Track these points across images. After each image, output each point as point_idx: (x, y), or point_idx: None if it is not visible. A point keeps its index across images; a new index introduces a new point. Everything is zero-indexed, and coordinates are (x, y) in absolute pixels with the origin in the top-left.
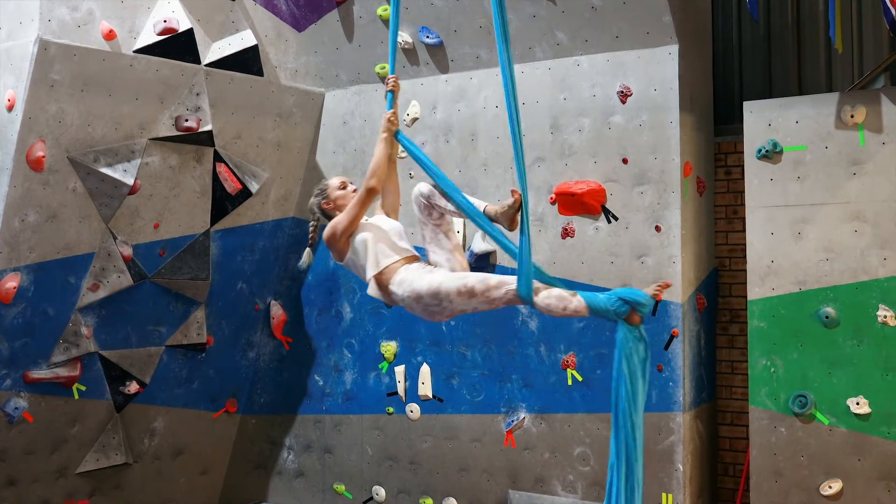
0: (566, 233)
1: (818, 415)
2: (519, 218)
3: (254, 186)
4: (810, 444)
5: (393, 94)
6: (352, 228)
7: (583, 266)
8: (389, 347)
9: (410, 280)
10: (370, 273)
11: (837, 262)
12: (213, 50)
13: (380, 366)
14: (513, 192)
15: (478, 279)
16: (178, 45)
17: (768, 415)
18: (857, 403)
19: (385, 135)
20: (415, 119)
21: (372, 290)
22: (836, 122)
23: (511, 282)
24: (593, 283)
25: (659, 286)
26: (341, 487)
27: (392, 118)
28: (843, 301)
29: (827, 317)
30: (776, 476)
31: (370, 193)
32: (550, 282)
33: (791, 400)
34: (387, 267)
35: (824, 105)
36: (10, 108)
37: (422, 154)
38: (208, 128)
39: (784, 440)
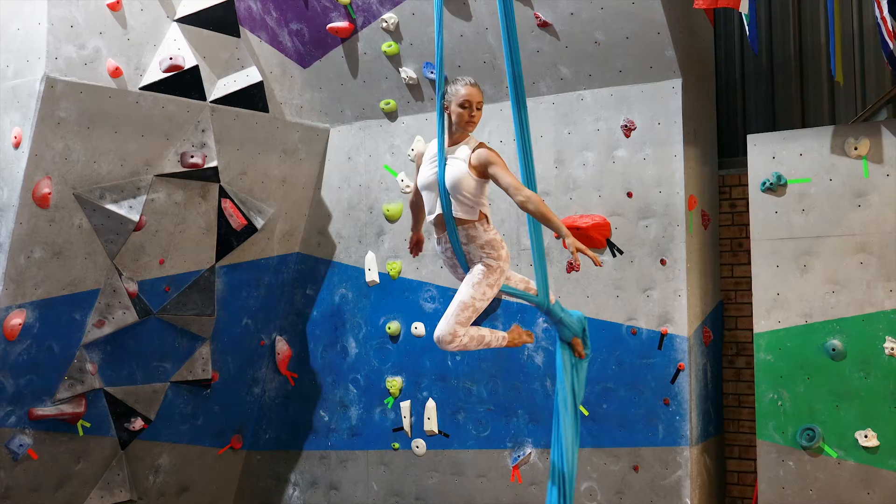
0: (571, 267)
1: (826, 448)
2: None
3: (259, 222)
4: (819, 477)
5: None
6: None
7: (588, 300)
8: (395, 382)
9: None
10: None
11: (843, 295)
12: (219, 86)
13: (385, 401)
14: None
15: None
16: (183, 82)
17: (776, 448)
18: (866, 436)
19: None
20: (421, 154)
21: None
22: (840, 155)
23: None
24: (599, 316)
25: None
26: None
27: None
28: (850, 333)
29: (834, 349)
30: None
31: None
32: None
33: (799, 433)
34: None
35: (828, 137)
36: (16, 146)
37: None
38: (214, 164)
39: (792, 474)
